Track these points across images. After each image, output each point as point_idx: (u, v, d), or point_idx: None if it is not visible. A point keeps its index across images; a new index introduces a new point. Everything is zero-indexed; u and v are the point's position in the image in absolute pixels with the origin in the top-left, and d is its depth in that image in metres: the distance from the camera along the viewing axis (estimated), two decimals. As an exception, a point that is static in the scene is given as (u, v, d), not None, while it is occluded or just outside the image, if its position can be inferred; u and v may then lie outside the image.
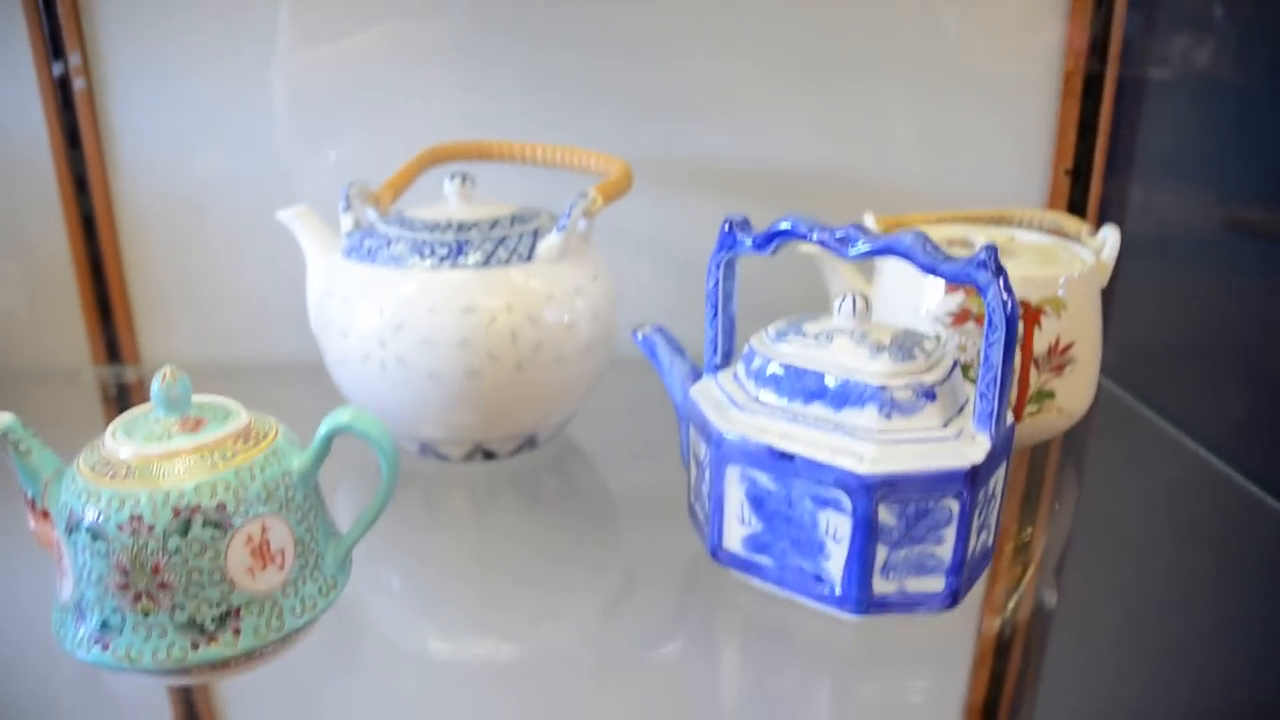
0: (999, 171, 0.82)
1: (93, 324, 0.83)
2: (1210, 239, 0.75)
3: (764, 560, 0.54)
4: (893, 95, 0.81)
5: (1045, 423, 0.66)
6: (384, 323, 0.62)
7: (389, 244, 0.64)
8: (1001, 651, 0.56)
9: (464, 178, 0.67)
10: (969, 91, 0.80)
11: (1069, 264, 0.66)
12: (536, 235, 0.64)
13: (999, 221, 0.74)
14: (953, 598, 0.52)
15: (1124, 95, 0.78)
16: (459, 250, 0.62)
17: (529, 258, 0.63)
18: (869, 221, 0.72)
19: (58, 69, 0.76)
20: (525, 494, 0.68)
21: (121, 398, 0.82)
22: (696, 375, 0.59)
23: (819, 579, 0.52)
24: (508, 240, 0.63)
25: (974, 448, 0.50)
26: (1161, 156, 0.78)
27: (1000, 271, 0.49)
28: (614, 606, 0.58)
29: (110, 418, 0.79)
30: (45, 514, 0.52)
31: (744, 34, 0.80)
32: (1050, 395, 0.65)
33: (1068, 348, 0.65)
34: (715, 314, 0.58)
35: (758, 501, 0.53)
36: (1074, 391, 0.66)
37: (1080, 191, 0.81)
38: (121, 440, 0.50)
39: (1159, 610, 0.58)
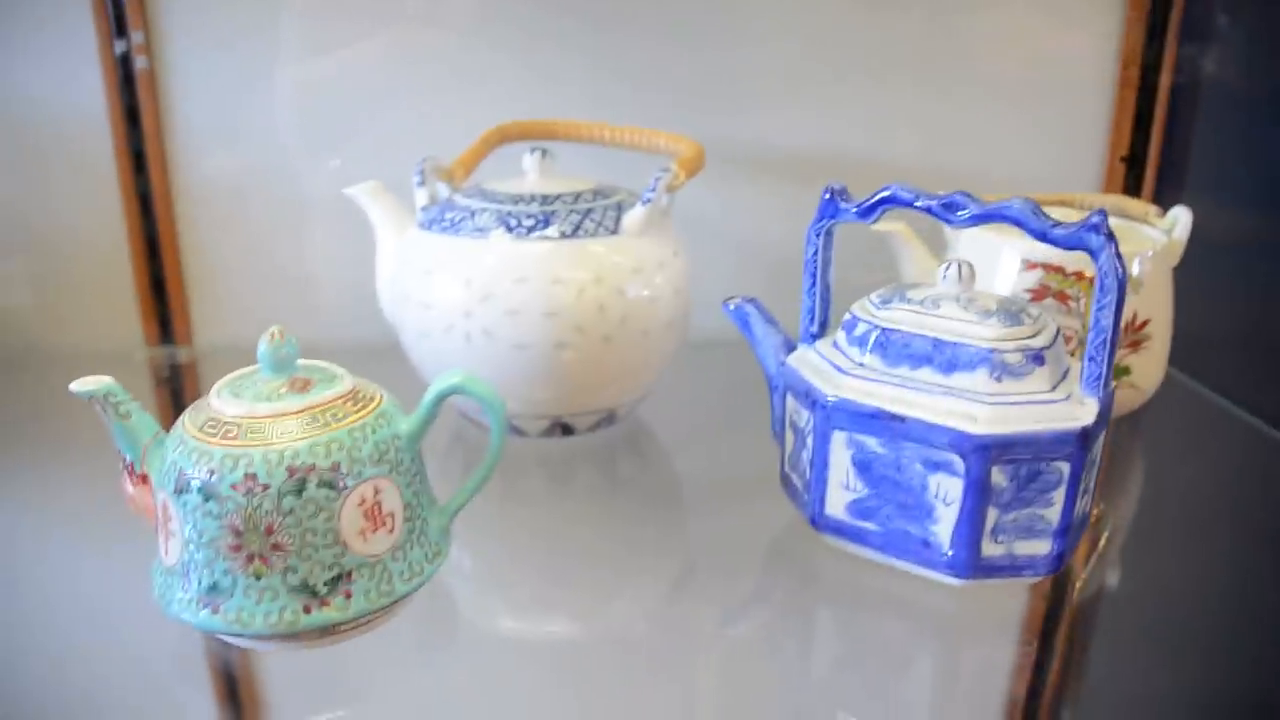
0: (1055, 159, 0.83)
1: (146, 304, 0.82)
2: (1267, 226, 0.76)
3: (869, 526, 0.54)
4: (950, 84, 0.82)
5: (1120, 398, 0.66)
6: (470, 294, 0.61)
7: (472, 215, 0.63)
8: (1098, 619, 0.56)
9: (543, 152, 0.67)
10: (1025, 80, 0.81)
11: (1142, 242, 0.66)
12: (620, 209, 0.64)
13: (1061, 204, 0.75)
14: (1059, 561, 0.52)
15: (1180, 83, 0.79)
16: (545, 222, 0.62)
17: (615, 230, 0.63)
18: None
19: (120, 47, 0.76)
20: (604, 471, 0.67)
21: (174, 379, 0.81)
22: (790, 347, 0.59)
23: (926, 543, 0.52)
24: (593, 213, 0.63)
25: (1084, 410, 0.50)
26: (1217, 144, 0.79)
27: (1112, 236, 0.49)
28: (706, 581, 0.58)
29: (163, 399, 0.79)
30: (144, 478, 0.51)
31: (805, 23, 0.81)
32: (1126, 371, 0.66)
33: (1143, 325, 0.65)
34: (814, 283, 0.58)
35: (864, 466, 0.53)
36: (1148, 368, 0.67)
37: (1135, 179, 0.82)
38: (228, 400, 0.49)
39: (1233, 583, 0.59)
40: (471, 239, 0.62)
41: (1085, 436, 0.50)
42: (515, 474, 0.66)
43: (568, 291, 0.61)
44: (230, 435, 0.48)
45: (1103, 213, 0.49)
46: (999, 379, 0.51)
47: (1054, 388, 0.51)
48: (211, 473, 0.47)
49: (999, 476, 0.50)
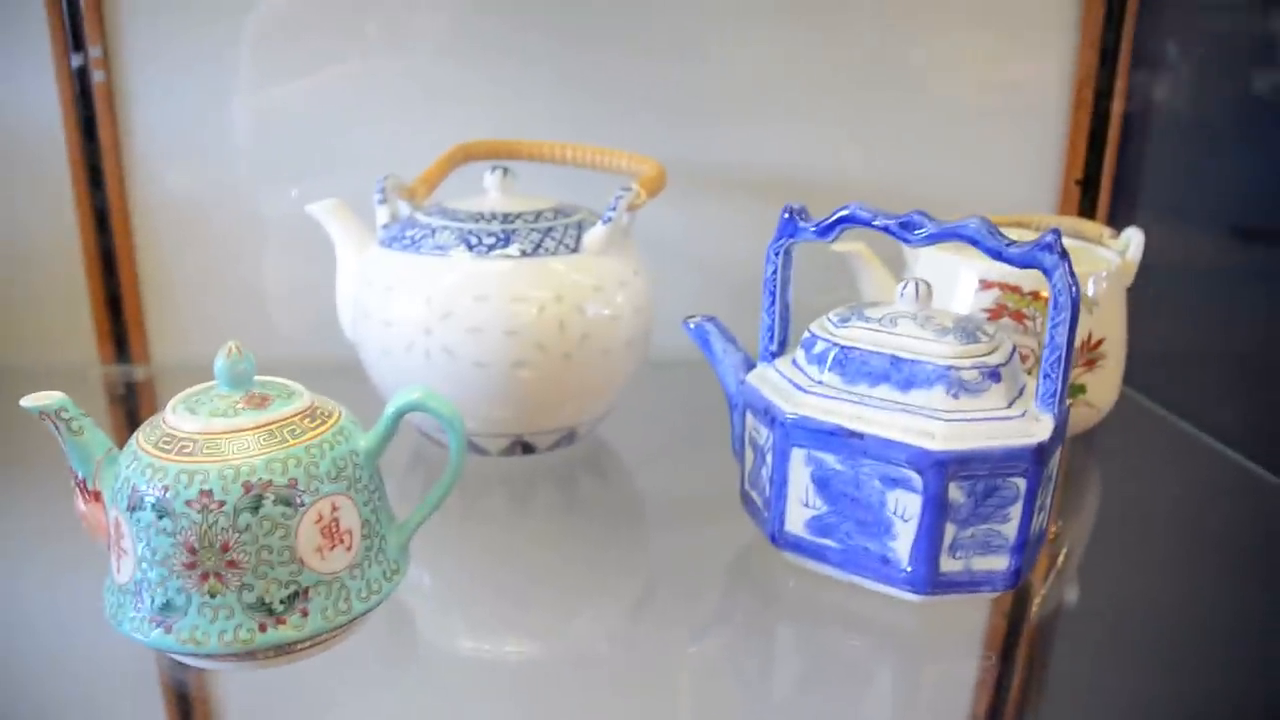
0: (1011, 181, 0.84)
1: (102, 321, 0.80)
2: (1217, 246, 0.78)
3: (828, 543, 0.54)
4: (909, 107, 0.83)
5: (1075, 416, 0.67)
6: (430, 311, 0.61)
7: (433, 233, 0.63)
8: (1056, 634, 0.57)
9: (505, 170, 0.67)
10: (982, 103, 0.83)
11: (1096, 263, 0.68)
12: (581, 227, 0.65)
13: (1018, 225, 0.76)
14: (1016, 576, 0.53)
15: (1132, 107, 0.81)
16: (505, 240, 0.62)
17: (575, 249, 0.63)
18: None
19: (77, 61, 0.75)
20: (565, 490, 0.67)
21: (129, 397, 0.80)
22: (749, 365, 0.60)
23: (885, 560, 0.53)
24: (554, 231, 0.63)
25: (1039, 426, 0.51)
26: (1169, 167, 0.81)
27: (1065, 255, 0.50)
28: (667, 599, 0.58)
29: (118, 417, 0.78)
30: (97, 495, 0.50)
31: (766, 46, 0.82)
32: (1082, 390, 0.67)
33: (1098, 344, 0.67)
34: (773, 301, 0.58)
35: (823, 483, 0.53)
36: (1103, 387, 0.68)
37: (1089, 201, 0.84)
38: (184, 416, 0.49)
39: (1190, 597, 0.60)
40: (432, 257, 0.62)
41: (1040, 452, 0.51)
42: (476, 492, 0.66)
43: (528, 309, 0.61)
44: (185, 451, 0.47)
45: (1056, 232, 0.50)
46: (956, 396, 0.51)
47: (1010, 404, 0.52)
48: (166, 489, 0.46)
49: (956, 492, 0.51)
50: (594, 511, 0.66)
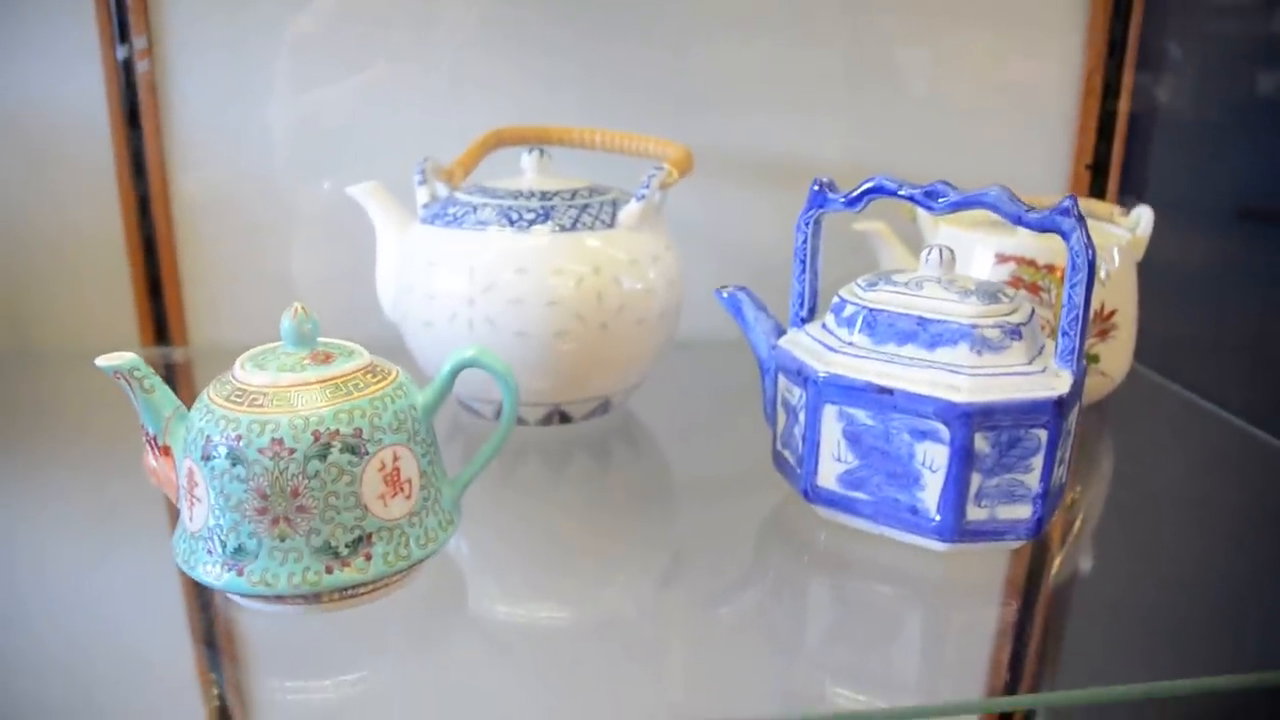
0: (1022, 166, 0.87)
1: (143, 305, 0.83)
2: (1223, 229, 0.81)
3: (859, 495, 0.57)
4: (925, 95, 0.86)
5: (1089, 385, 0.70)
6: (473, 284, 0.64)
7: (474, 210, 0.66)
8: (1074, 586, 0.59)
9: (541, 151, 0.70)
10: (995, 92, 0.86)
11: (1108, 238, 0.71)
12: (615, 205, 0.67)
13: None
14: (1038, 526, 0.55)
15: (1140, 96, 0.84)
16: (544, 216, 0.65)
17: (610, 225, 0.66)
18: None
19: (122, 52, 0.78)
20: (598, 458, 0.70)
21: (170, 379, 0.82)
22: (780, 332, 0.63)
23: (914, 510, 0.55)
24: (590, 208, 0.66)
25: (1059, 381, 0.54)
26: (1177, 152, 0.85)
27: (1082, 219, 0.53)
28: (699, 557, 0.61)
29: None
30: (166, 450, 0.53)
31: (788, 37, 0.85)
32: (1095, 359, 0.70)
33: (1111, 314, 0.70)
34: (803, 270, 0.61)
35: (854, 438, 0.56)
36: (1116, 357, 0.71)
37: (1099, 186, 0.87)
38: (253, 372, 0.51)
39: (1202, 558, 0.63)
40: (474, 231, 0.65)
41: (1060, 405, 0.53)
42: (514, 461, 0.68)
43: (567, 281, 0.64)
44: (256, 403, 0.50)
45: (1073, 197, 0.53)
46: (979, 353, 0.54)
47: (1031, 361, 0.55)
48: (239, 438, 0.49)
49: (981, 443, 0.53)
50: (628, 478, 0.69)
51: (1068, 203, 0.53)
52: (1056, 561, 0.60)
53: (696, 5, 0.84)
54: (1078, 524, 0.64)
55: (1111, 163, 0.87)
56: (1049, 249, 0.68)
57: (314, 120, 0.82)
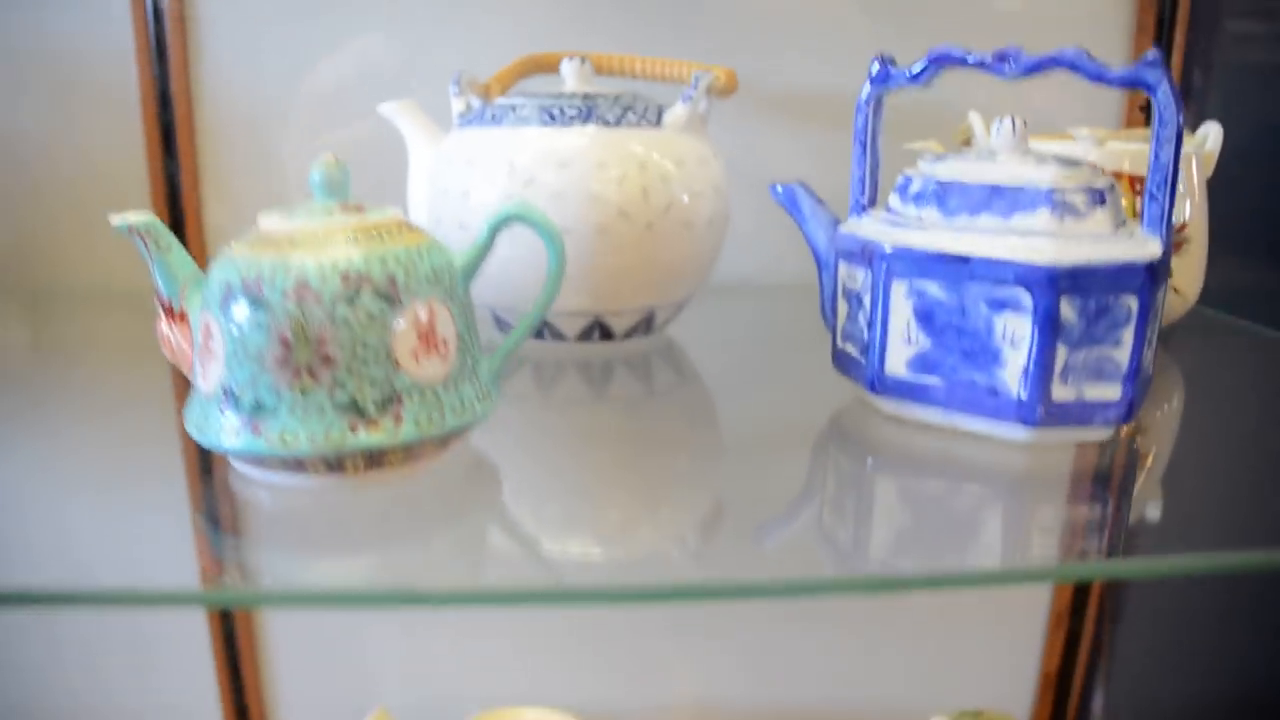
0: (1075, 98, 0.83)
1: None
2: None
3: (932, 380, 0.52)
4: (974, 30, 0.83)
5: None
6: (512, 180, 0.60)
7: (514, 109, 0.63)
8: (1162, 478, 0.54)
9: (582, 59, 0.67)
10: (1042, 19, 0.83)
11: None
12: (661, 108, 0.64)
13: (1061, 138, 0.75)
14: (1129, 410, 0.51)
15: (1196, 25, 0.81)
16: (587, 114, 0.62)
17: (657, 124, 0.63)
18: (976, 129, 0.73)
19: (151, -13, 0.76)
20: (642, 378, 0.65)
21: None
22: (838, 225, 0.59)
23: (994, 391, 0.51)
24: (634, 109, 0.63)
25: (1150, 245, 0.50)
26: (1230, 85, 0.82)
27: (1168, 71, 0.50)
28: (756, 465, 0.56)
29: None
30: (182, 315, 0.49)
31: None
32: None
33: (1183, 227, 0.66)
34: (864, 153, 0.57)
35: (926, 316, 0.52)
36: (1188, 273, 0.66)
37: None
38: (278, 219, 0.48)
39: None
40: (514, 129, 0.62)
41: (1153, 271, 0.49)
42: (553, 378, 0.64)
43: (611, 176, 0.60)
44: (281, 248, 0.46)
45: (1159, 49, 0.50)
46: (1061, 218, 0.50)
47: (1115, 229, 0.51)
48: (260, 280, 0.45)
49: (1068, 310, 0.49)
50: (673, 399, 0.64)
51: (1152, 54, 0.49)
52: (1143, 453, 0.55)
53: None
54: (1159, 423, 0.59)
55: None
56: (1114, 156, 0.65)
57: (342, 51, 0.80)
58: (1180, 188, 0.66)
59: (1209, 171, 0.68)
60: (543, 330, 0.65)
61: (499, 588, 0.45)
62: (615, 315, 0.64)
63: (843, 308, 0.57)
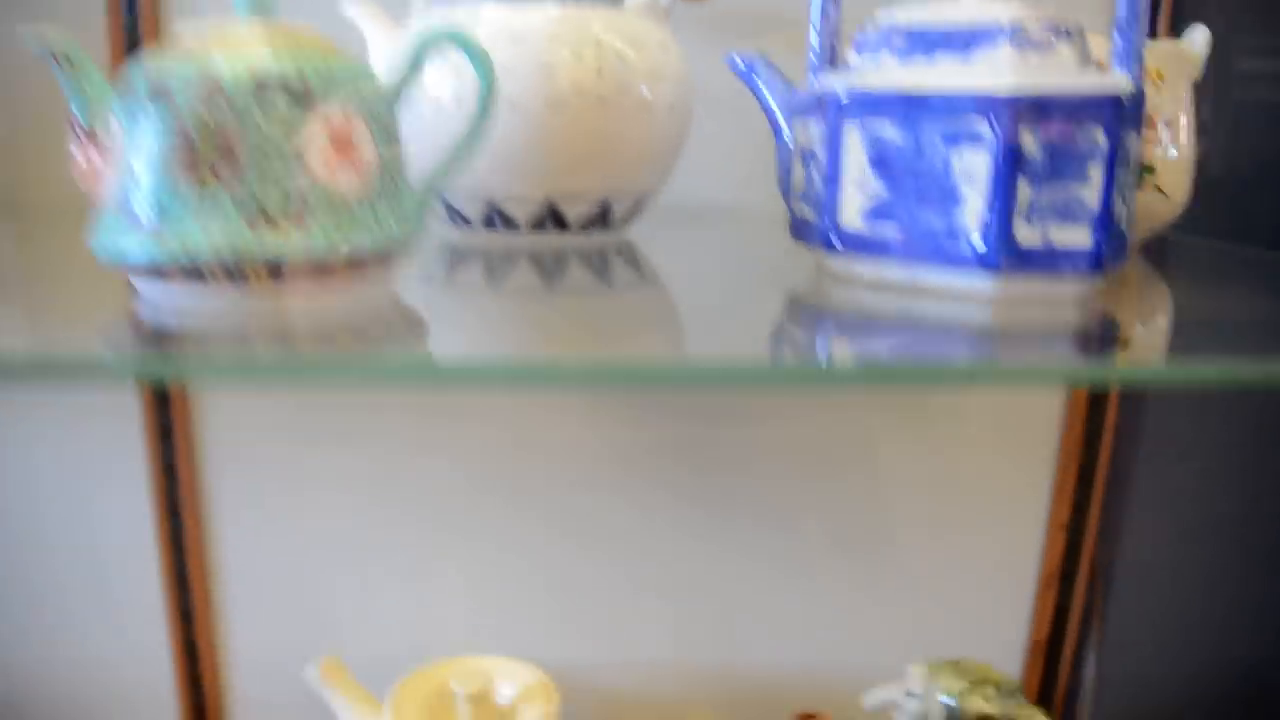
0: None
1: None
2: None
3: (888, 231, 0.49)
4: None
5: (1146, 205, 0.62)
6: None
7: (470, -8, 0.61)
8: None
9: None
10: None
11: (1157, 49, 0.64)
12: (620, -8, 0.62)
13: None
14: (1099, 259, 0.47)
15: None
16: (543, -7, 0.60)
17: (616, 3, 0.61)
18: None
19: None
20: (596, 270, 0.62)
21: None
22: (797, 94, 0.56)
23: (953, 234, 0.47)
24: (593, -12, 0.61)
25: (1118, 80, 0.47)
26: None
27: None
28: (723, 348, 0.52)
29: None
30: (92, 135, 0.46)
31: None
32: (1150, 170, 0.62)
33: (1167, 123, 0.62)
34: (823, 15, 0.55)
35: (881, 162, 0.49)
36: (1173, 175, 0.63)
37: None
38: (193, 27, 0.45)
39: None
40: (468, 7, 0.60)
41: (1120, 106, 0.46)
42: (502, 265, 0.61)
43: (563, 51, 0.58)
44: (194, 51, 0.44)
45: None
46: (1023, 52, 0.47)
47: (1082, 66, 0.48)
48: (165, 77, 0.43)
49: (1029, 141, 0.46)
50: (632, 293, 0.61)
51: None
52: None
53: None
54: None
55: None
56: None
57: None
58: (1169, 92, 0.63)
59: (1197, 74, 0.65)
60: (494, 217, 0.62)
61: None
62: (569, 200, 0.61)
63: (798, 172, 0.54)
